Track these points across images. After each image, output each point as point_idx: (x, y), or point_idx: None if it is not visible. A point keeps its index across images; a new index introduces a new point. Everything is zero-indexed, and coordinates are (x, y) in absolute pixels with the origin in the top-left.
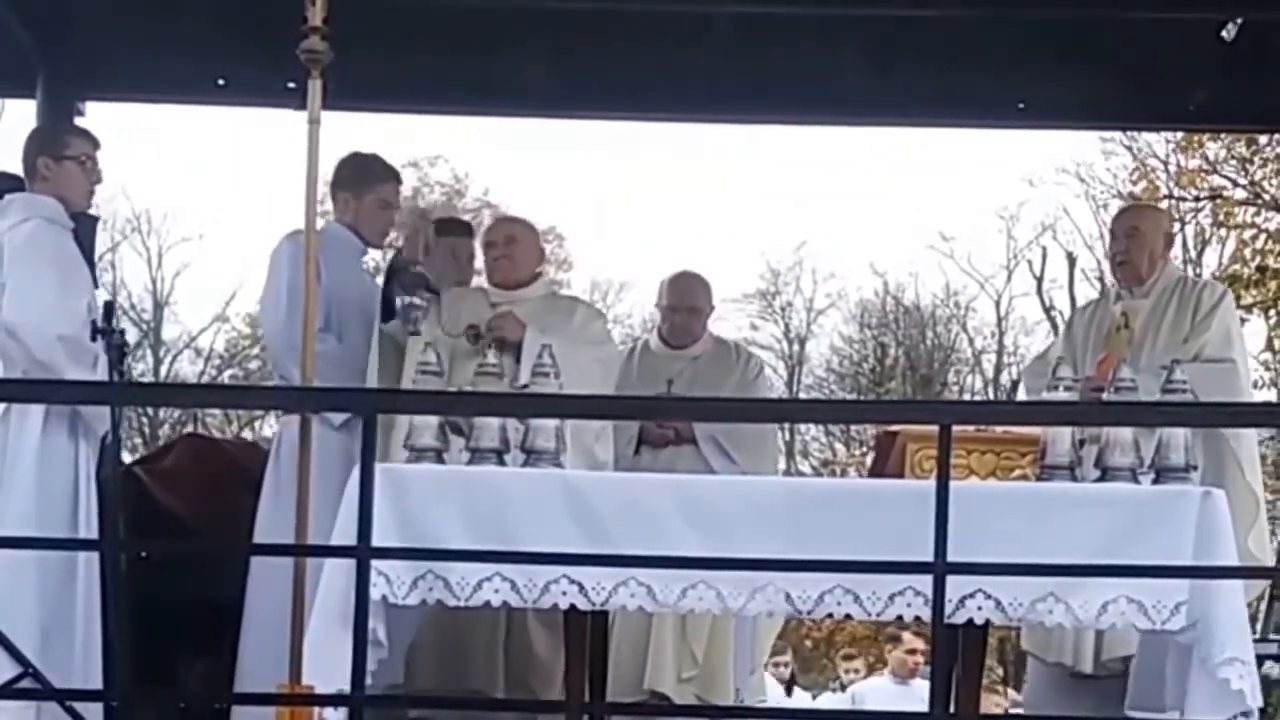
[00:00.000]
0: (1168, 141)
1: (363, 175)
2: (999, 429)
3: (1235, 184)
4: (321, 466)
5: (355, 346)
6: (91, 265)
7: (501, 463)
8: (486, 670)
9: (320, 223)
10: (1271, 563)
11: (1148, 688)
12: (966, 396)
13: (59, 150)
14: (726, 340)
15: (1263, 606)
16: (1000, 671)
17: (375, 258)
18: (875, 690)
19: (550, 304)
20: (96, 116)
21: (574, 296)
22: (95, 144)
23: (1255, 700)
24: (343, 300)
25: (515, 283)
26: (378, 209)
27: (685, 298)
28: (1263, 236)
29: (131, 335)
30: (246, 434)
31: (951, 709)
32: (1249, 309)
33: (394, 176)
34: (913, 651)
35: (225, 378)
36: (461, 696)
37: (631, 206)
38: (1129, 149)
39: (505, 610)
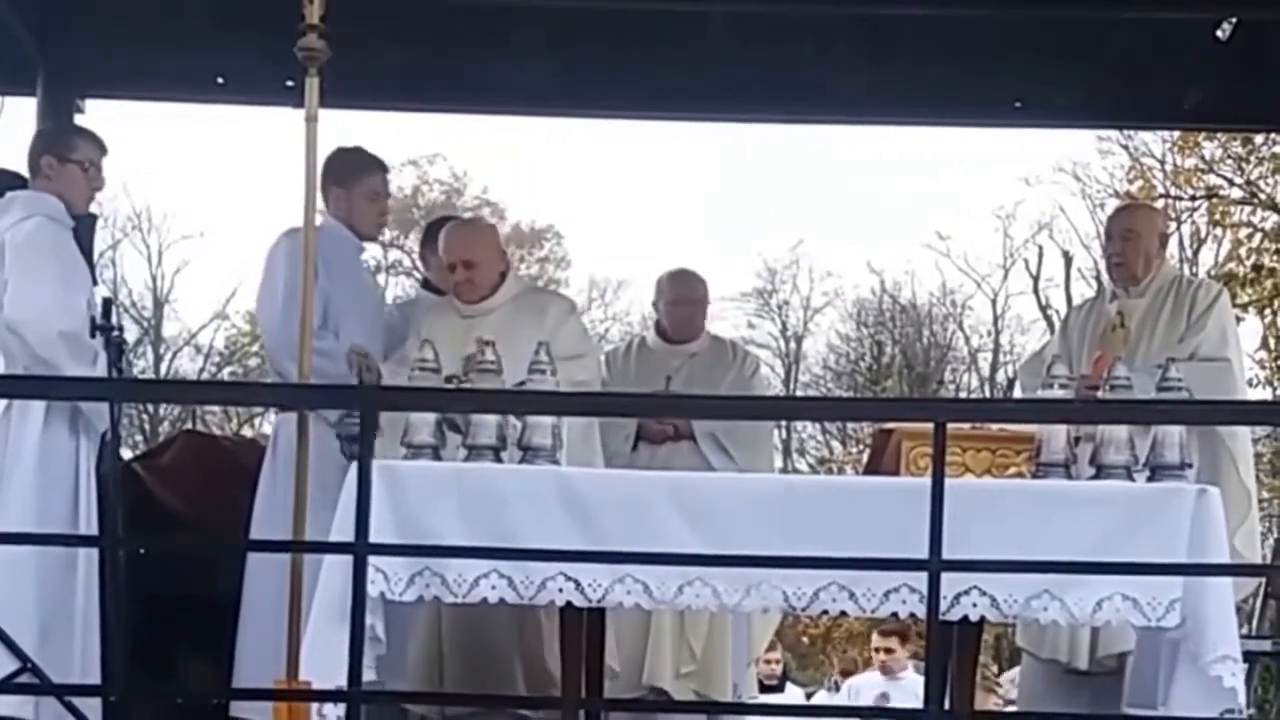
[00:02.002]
0: (1164, 141)
1: (352, 169)
2: (994, 427)
3: (1231, 183)
4: (319, 464)
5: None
6: (91, 263)
7: (498, 459)
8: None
9: (319, 220)
10: (1259, 561)
11: (1145, 684)
12: (963, 394)
13: (65, 152)
14: (723, 338)
15: (1257, 604)
16: (995, 668)
17: (377, 255)
18: (869, 684)
19: (521, 305)
20: (96, 114)
21: (545, 290)
22: (102, 150)
23: (1244, 697)
24: (341, 297)
25: (481, 297)
26: (368, 201)
27: (688, 291)
28: (1258, 235)
29: (132, 332)
30: (246, 431)
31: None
32: (1245, 308)
33: (381, 167)
34: (877, 650)
35: (225, 375)
36: (457, 693)
37: (629, 205)
38: (1125, 148)
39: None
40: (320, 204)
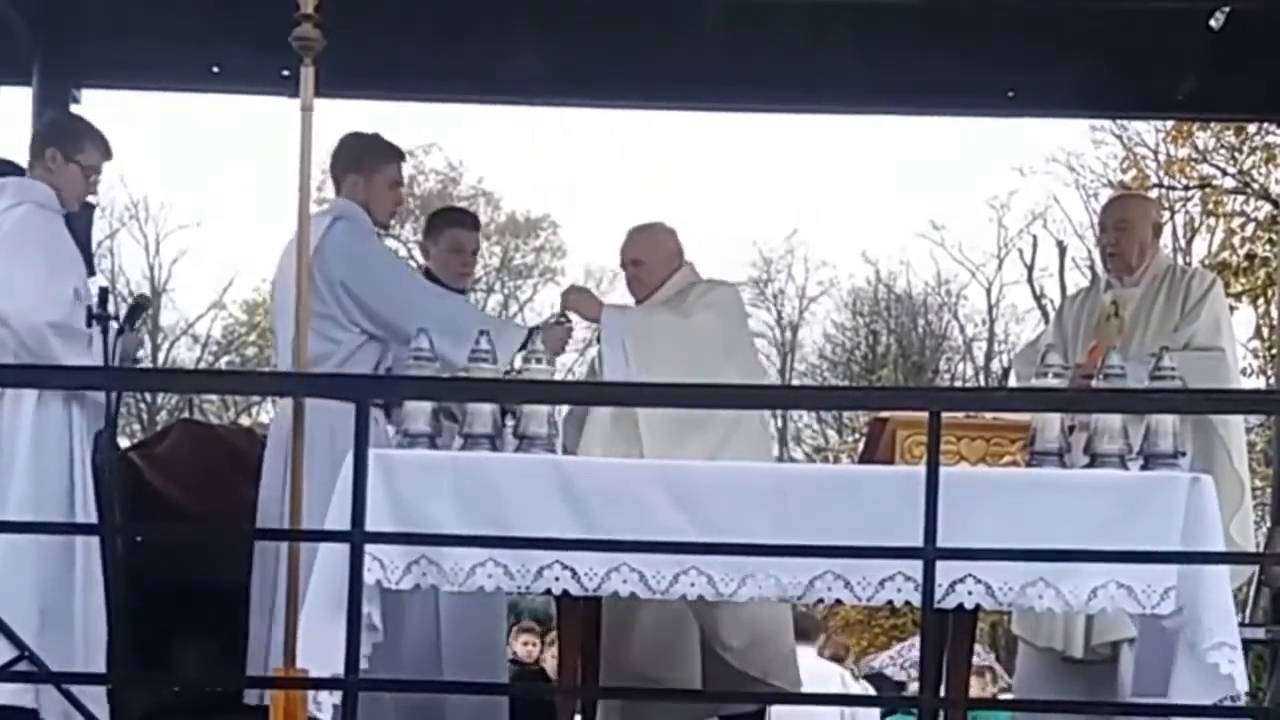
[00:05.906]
0: (1157, 130)
1: (370, 157)
2: (989, 416)
3: (1224, 173)
4: (326, 454)
5: None
6: (89, 253)
7: (495, 448)
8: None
9: (324, 207)
10: (1253, 549)
11: (1151, 672)
12: (957, 384)
13: (72, 152)
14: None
15: (1250, 593)
16: (992, 658)
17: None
18: None
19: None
20: (92, 103)
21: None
22: (108, 155)
23: (1242, 684)
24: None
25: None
26: (387, 189)
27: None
28: (1251, 225)
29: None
30: (243, 420)
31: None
32: (1238, 297)
33: (399, 155)
34: None
35: (222, 364)
36: (455, 681)
37: (624, 194)
38: (1119, 138)
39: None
40: (324, 192)
